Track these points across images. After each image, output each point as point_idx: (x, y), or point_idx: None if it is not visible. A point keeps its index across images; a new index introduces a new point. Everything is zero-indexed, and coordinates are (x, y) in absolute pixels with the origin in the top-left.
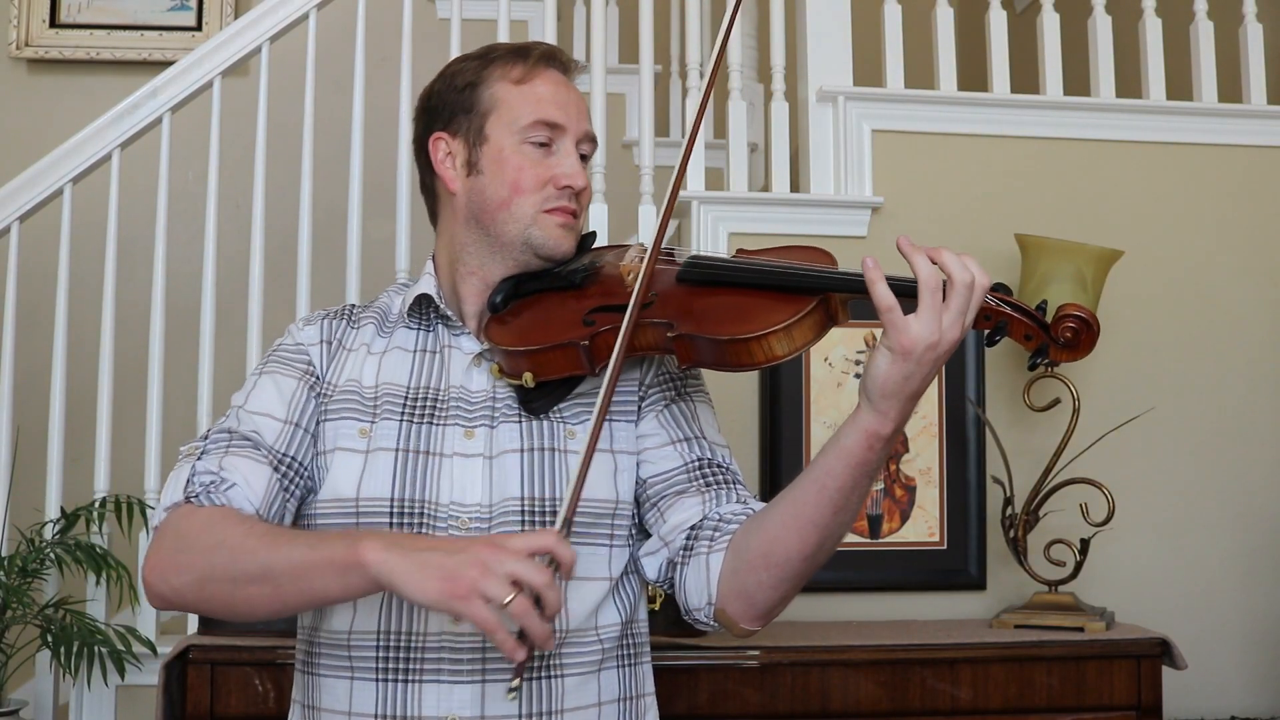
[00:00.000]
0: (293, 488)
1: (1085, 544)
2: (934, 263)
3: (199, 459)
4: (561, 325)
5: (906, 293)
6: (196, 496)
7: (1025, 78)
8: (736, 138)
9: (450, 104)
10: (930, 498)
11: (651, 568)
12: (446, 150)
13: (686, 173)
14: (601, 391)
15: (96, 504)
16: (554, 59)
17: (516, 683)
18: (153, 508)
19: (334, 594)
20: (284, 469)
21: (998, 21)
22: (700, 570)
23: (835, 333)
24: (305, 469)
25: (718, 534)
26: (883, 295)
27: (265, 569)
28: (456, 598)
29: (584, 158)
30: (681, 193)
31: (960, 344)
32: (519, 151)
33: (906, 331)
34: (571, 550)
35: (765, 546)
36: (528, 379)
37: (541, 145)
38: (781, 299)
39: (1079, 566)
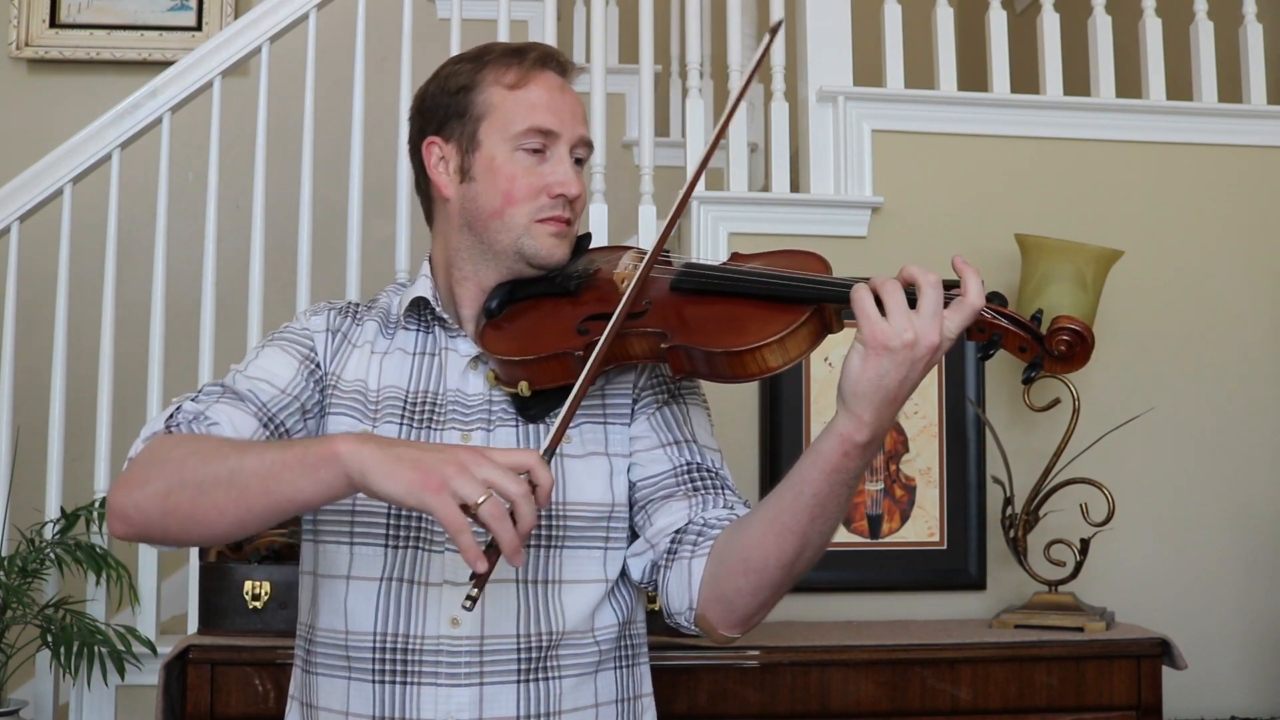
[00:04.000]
0: None
1: (1085, 544)
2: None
3: (187, 402)
4: (556, 334)
5: None
6: (178, 426)
7: (1025, 78)
8: (736, 138)
9: (443, 108)
10: (930, 498)
11: (637, 569)
12: (440, 155)
13: (686, 176)
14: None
15: (96, 504)
16: (550, 61)
17: (475, 593)
18: None
19: (303, 493)
20: (271, 428)
21: (998, 21)
22: (682, 575)
23: (836, 334)
24: (290, 437)
25: (701, 539)
26: (856, 286)
27: (234, 472)
28: (427, 490)
29: (579, 162)
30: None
31: (942, 353)
32: (512, 159)
33: (878, 323)
34: (550, 473)
35: (744, 553)
36: (523, 388)
37: (535, 152)
38: (776, 309)
39: (1079, 566)
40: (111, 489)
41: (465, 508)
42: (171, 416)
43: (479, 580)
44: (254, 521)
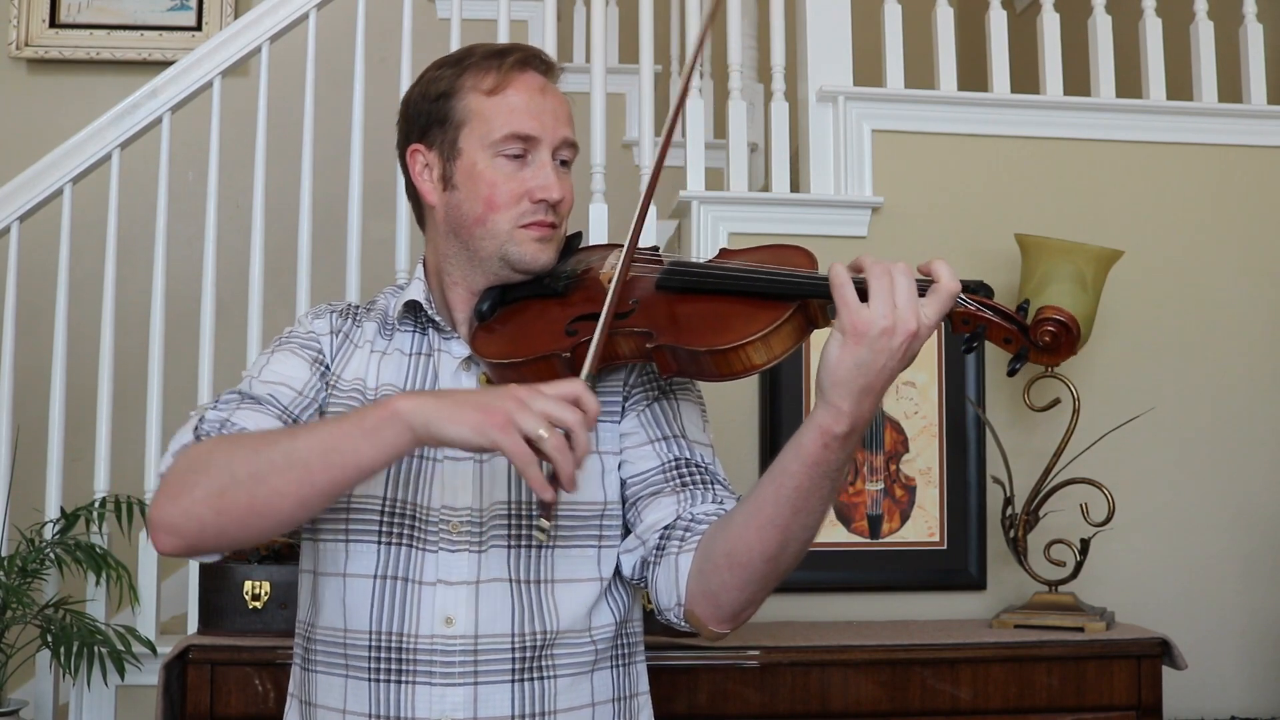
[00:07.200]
0: None
1: (1085, 544)
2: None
3: (208, 411)
4: (544, 336)
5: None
6: (206, 434)
7: (1025, 78)
8: (736, 138)
9: (425, 114)
10: (930, 498)
11: (628, 565)
12: (424, 163)
13: (686, 176)
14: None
15: (96, 504)
16: (533, 62)
17: (547, 524)
18: None
19: (366, 457)
20: None
21: (998, 21)
22: (670, 570)
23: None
24: None
25: (689, 534)
26: (837, 273)
27: (289, 453)
28: (494, 427)
29: (565, 163)
30: (681, 193)
31: (921, 343)
32: (492, 166)
33: (859, 311)
34: (597, 400)
35: (728, 547)
36: None
37: (515, 158)
38: (760, 306)
39: (1079, 566)
40: (153, 504)
41: (528, 442)
42: (197, 427)
43: (547, 510)
44: (317, 499)
